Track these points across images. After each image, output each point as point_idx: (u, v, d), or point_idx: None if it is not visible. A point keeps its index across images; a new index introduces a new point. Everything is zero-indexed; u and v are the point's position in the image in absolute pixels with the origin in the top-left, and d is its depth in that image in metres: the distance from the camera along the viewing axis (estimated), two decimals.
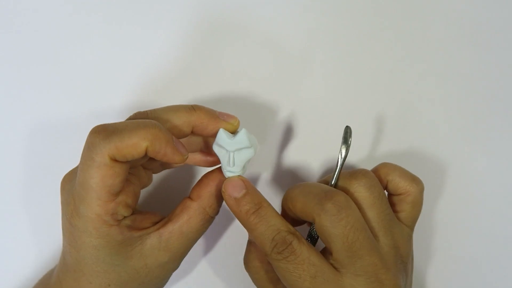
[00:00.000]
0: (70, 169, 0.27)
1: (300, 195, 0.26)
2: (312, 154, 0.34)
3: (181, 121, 0.26)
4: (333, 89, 0.34)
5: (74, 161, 0.26)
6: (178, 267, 0.28)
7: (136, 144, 0.23)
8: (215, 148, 0.27)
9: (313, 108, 0.34)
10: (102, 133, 0.23)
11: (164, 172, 0.33)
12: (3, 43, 0.33)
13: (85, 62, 0.33)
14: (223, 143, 0.26)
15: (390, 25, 0.34)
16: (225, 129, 0.26)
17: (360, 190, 0.26)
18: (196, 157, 0.29)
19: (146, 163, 0.28)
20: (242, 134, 0.26)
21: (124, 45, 0.33)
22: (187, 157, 0.25)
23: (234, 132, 0.27)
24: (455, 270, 0.34)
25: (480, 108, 0.34)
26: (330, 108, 0.34)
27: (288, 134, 0.34)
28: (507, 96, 0.34)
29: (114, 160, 0.23)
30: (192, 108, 0.26)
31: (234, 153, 0.26)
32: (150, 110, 0.26)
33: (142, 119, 0.25)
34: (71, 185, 0.25)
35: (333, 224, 0.24)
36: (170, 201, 0.33)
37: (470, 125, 0.34)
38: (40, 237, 0.33)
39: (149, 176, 0.29)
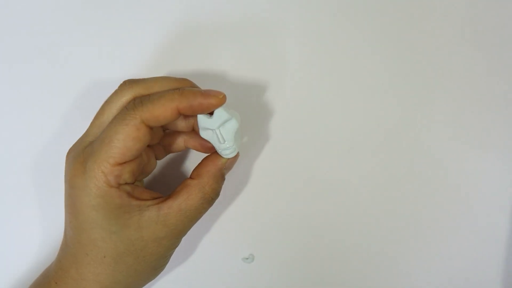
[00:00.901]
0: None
1: None
2: (303, 144, 0.34)
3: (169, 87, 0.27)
4: (329, 86, 0.34)
5: None
6: (175, 246, 0.28)
7: (166, 106, 0.25)
8: (202, 134, 0.27)
9: (303, 99, 0.34)
10: (138, 99, 0.25)
11: (167, 160, 0.34)
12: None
13: (81, 52, 0.34)
14: (206, 125, 0.27)
15: (385, 24, 0.35)
16: (212, 104, 0.26)
17: None
18: (196, 141, 0.30)
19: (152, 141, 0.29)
20: (218, 110, 0.27)
21: (118, 33, 0.34)
22: (223, 95, 0.26)
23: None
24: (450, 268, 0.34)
25: (480, 108, 0.34)
26: (323, 103, 0.34)
27: (276, 124, 0.34)
28: (506, 96, 0.34)
29: (145, 125, 0.25)
30: (183, 80, 0.28)
31: (219, 129, 0.27)
32: (141, 79, 0.27)
33: (131, 86, 0.27)
34: (76, 151, 0.26)
35: None
36: (172, 188, 0.34)
37: (469, 125, 0.34)
38: (45, 231, 0.33)
39: (153, 161, 0.30)
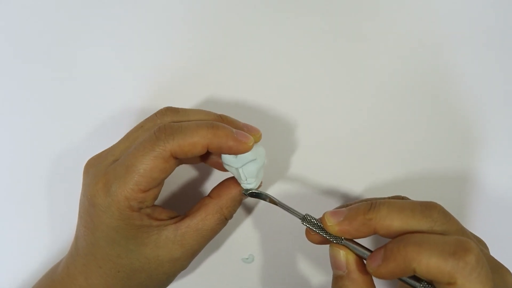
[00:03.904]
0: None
1: (424, 254, 0.21)
2: (319, 165, 0.34)
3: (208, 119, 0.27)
4: (341, 98, 0.34)
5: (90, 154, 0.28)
6: (186, 267, 0.28)
7: (197, 143, 0.25)
8: (225, 167, 0.28)
9: (321, 117, 0.34)
10: (168, 130, 0.25)
11: (177, 171, 0.34)
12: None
13: (98, 63, 0.34)
14: (229, 162, 0.27)
15: (386, 25, 0.34)
16: (240, 150, 0.26)
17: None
18: (213, 159, 0.30)
19: None
20: None
21: (141, 46, 0.34)
22: (253, 142, 0.26)
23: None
24: None
25: (481, 111, 0.34)
26: (337, 118, 0.34)
27: (293, 143, 0.34)
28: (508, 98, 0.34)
29: (173, 157, 0.25)
30: (219, 117, 0.28)
31: (242, 168, 0.27)
32: (181, 110, 0.27)
33: (171, 117, 0.27)
34: (98, 168, 0.26)
35: (476, 279, 0.20)
36: (181, 199, 0.34)
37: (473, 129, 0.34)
38: (53, 232, 0.34)
39: None
